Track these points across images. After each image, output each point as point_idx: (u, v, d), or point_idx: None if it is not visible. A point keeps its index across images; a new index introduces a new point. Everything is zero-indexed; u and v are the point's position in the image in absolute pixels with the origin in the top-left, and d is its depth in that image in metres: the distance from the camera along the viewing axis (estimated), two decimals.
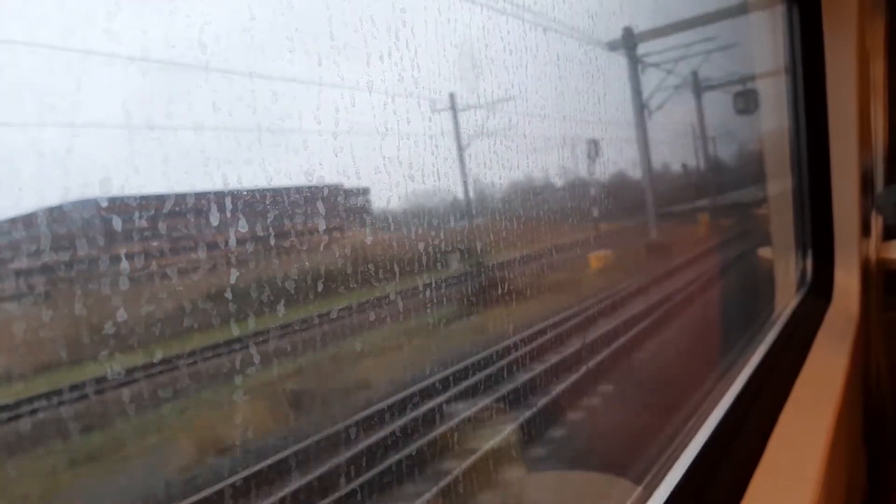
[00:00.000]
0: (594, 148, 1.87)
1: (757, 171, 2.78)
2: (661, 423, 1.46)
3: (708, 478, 1.13)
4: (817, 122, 2.37)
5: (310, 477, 1.16)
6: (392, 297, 0.85)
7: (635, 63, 3.06)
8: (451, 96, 1.02)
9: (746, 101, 2.99)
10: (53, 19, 0.53)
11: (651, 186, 3.23)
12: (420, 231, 0.90)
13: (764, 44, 2.67)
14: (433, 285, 0.92)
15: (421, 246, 0.90)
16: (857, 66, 2.24)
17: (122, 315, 0.55)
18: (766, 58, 2.71)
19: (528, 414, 2.05)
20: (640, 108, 3.14)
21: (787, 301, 2.42)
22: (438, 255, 0.94)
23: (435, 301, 0.94)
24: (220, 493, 0.88)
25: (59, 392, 0.56)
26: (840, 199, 2.38)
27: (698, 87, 3.50)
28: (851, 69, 2.24)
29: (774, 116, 2.73)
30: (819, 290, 2.44)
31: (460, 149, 1.07)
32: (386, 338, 0.93)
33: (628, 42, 2.79)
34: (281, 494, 1.16)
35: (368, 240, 0.82)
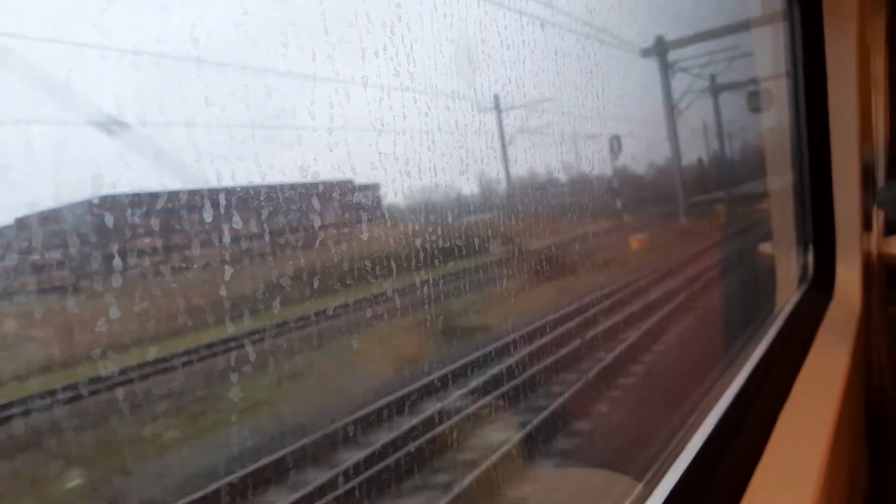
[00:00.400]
0: (616, 143, 2.04)
1: (764, 167, 2.82)
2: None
3: (709, 475, 1.13)
4: (818, 118, 2.36)
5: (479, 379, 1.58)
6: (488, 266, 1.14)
7: (666, 67, 3.31)
8: (496, 97, 1.16)
9: (759, 100, 3.06)
10: (44, 14, 0.53)
11: (681, 179, 3.64)
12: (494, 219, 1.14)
13: (765, 41, 2.67)
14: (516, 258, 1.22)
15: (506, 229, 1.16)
16: (858, 61, 2.23)
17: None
18: (767, 54, 2.71)
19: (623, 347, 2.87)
20: (671, 108, 3.39)
21: (788, 296, 2.42)
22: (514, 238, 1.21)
23: (527, 270, 1.27)
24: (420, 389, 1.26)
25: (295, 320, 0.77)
26: (841, 194, 2.37)
27: (715, 88, 3.68)
28: (852, 64, 2.23)
29: (776, 112, 2.72)
30: (820, 286, 2.43)
31: (503, 145, 1.24)
32: (491, 295, 1.22)
33: (660, 49, 3.15)
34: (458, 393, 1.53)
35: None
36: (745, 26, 2.93)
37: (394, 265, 0.86)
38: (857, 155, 2.31)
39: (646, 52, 2.72)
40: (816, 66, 2.31)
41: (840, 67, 2.26)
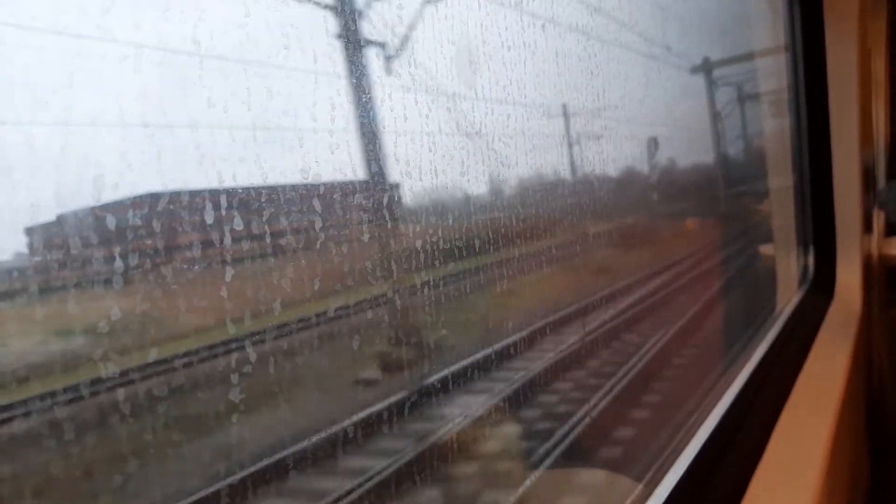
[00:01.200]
0: (654, 145, 2.30)
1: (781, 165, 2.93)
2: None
3: (709, 475, 1.13)
4: (819, 118, 2.36)
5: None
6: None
7: (711, 82, 4.01)
8: (564, 106, 1.45)
9: (780, 107, 3.22)
10: (46, 15, 0.53)
11: (723, 174, 4.49)
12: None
13: (766, 42, 2.67)
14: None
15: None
16: (859, 62, 2.23)
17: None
18: (767, 56, 2.71)
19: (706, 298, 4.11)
20: (715, 115, 4.13)
21: (789, 297, 2.42)
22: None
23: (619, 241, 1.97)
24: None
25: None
26: (842, 194, 2.37)
27: (742, 97, 4.15)
28: (853, 65, 2.23)
29: (774, 112, 2.72)
30: (821, 287, 2.43)
31: (570, 147, 1.55)
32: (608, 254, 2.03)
33: (707, 67, 3.90)
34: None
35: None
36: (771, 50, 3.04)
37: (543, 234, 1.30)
38: (857, 156, 2.31)
39: (694, 70, 3.46)
40: (817, 67, 2.31)
41: (841, 68, 2.26)
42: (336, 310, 0.81)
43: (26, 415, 0.55)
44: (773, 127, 2.86)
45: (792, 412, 1.35)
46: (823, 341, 1.86)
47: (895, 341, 2.69)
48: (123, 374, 0.59)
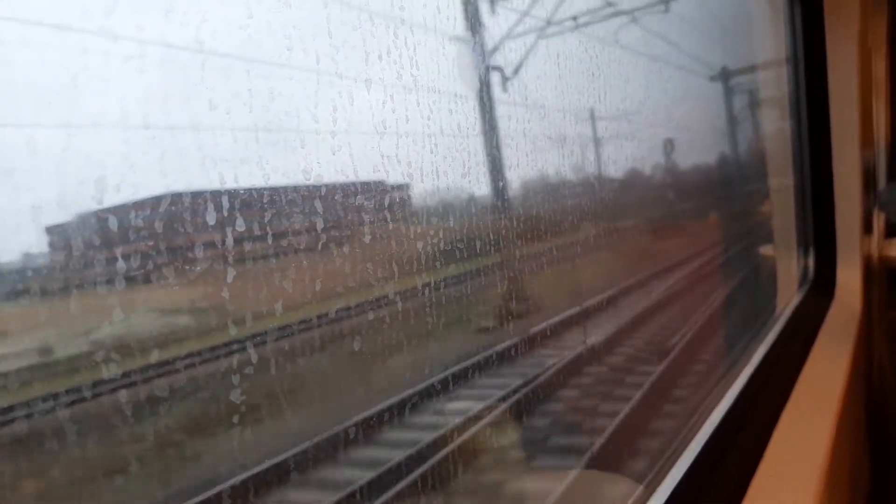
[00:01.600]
0: (670, 145, 2.41)
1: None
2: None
3: (709, 477, 1.13)
4: (819, 119, 2.36)
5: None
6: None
7: (728, 89, 4.28)
8: (591, 111, 1.56)
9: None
10: (48, 16, 0.53)
11: (739, 172, 4.84)
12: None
13: (768, 44, 2.67)
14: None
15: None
16: (859, 63, 2.23)
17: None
18: (769, 56, 2.71)
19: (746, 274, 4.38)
20: (732, 119, 4.46)
21: (789, 298, 2.42)
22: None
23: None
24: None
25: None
26: (842, 195, 2.37)
27: (754, 102, 4.36)
28: (853, 65, 2.23)
29: (776, 114, 2.73)
30: (821, 288, 2.43)
31: (596, 147, 1.66)
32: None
33: (724, 74, 4.14)
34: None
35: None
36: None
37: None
38: (858, 157, 2.31)
39: (713, 78, 3.75)
40: (818, 68, 2.31)
41: (841, 68, 2.26)
42: (460, 275, 1.03)
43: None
44: (775, 128, 2.86)
45: (792, 413, 1.35)
46: (824, 342, 1.86)
47: None
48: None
